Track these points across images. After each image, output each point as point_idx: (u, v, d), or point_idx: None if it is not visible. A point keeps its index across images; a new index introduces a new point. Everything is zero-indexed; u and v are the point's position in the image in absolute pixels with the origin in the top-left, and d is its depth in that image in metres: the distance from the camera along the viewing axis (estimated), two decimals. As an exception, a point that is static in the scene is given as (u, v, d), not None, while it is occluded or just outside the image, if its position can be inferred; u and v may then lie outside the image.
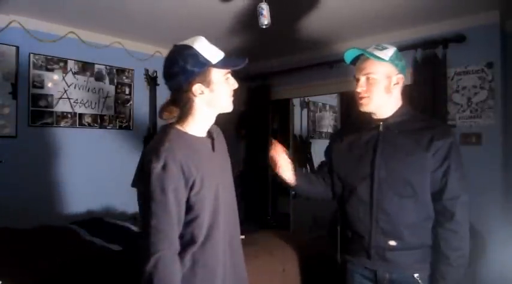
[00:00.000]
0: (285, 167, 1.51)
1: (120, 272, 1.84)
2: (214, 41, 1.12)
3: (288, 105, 4.16)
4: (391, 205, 1.36)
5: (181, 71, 1.06)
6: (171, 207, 1.01)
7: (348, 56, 1.47)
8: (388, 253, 1.37)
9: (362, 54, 1.42)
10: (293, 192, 3.69)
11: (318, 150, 4.49)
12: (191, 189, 1.05)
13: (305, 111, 4.74)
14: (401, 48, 2.88)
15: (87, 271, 1.85)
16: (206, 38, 1.11)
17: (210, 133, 1.20)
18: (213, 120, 1.18)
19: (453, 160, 1.33)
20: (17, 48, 2.67)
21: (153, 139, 1.13)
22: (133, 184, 3.30)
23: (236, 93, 1.17)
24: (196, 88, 1.08)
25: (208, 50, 1.08)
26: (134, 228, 2.67)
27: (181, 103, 1.12)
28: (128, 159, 3.29)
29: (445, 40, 2.71)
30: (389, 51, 1.40)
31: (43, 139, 2.80)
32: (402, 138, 1.39)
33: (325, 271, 2.07)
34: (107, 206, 3.07)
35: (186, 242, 1.08)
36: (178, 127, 1.13)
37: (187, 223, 1.07)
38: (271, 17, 2.15)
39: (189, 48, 1.06)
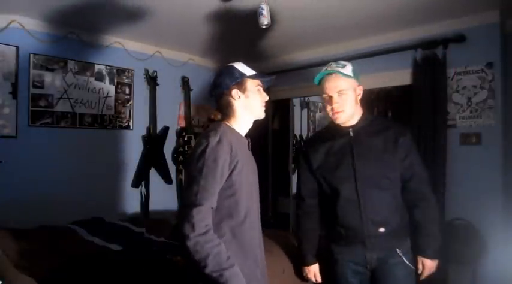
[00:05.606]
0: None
1: (120, 272, 1.85)
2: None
3: (288, 105, 4.14)
4: (375, 199, 1.58)
5: (223, 81, 1.41)
6: (218, 173, 1.25)
7: (317, 79, 1.69)
8: (379, 238, 1.59)
9: (328, 74, 1.63)
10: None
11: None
12: (234, 167, 1.30)
13: (305, 111, 4.73)
14: (401, 48, 2.91)
15: (87, 271, 1.85)
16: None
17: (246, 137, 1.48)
18: (250, 124, 1.48)
19: (414, 151, 1.64)
20: (17, 48, 2.67)
21: (207, 129, 1.41)
22: (134, 184, 3.32)
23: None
24: (234, 93, 1.41)
25: (243, 67, 1.45)
26: (134, 228, 2.67)
27: (223, 106, 1.44)
28: (128, 159, 3.31)
29: (445, 40, 2.71)
30: (350, 67, 1.62)
31: (43, 139, 2.80)
32: (372, 139, 1.61)
33: (325, 270, 2.06)
34: (107, 206, 3.07)
35: (225, 215, 1.30)
36: (226, 123, 1.42)
37: (226, 198, 1.29)
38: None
39: (230, 66, 1.45)
